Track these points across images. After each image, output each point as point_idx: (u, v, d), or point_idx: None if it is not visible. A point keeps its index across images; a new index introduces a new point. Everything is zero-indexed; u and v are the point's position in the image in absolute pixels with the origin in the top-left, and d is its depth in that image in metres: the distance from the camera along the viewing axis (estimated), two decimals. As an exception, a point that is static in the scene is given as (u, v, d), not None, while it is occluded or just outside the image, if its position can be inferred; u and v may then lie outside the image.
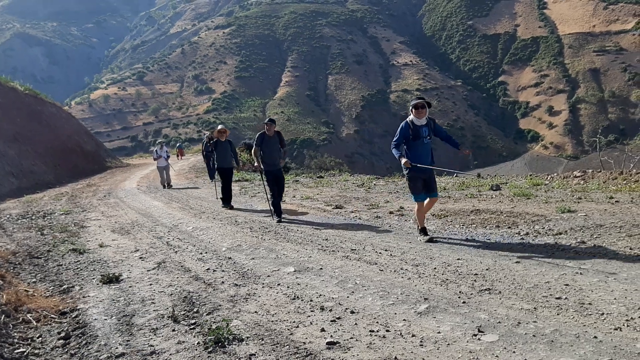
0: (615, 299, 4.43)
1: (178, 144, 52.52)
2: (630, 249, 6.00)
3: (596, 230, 7.00)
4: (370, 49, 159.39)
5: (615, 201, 9.02)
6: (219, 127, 13.75)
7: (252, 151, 10.53)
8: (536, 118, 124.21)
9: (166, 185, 20.22)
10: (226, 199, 12.99)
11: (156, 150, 20.71)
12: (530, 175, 16.19)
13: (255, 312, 4.84)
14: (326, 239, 7.97)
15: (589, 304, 4.37)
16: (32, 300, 5.52)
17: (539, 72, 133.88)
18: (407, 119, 7.37)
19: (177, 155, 40.87)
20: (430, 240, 7.24)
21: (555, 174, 14.52)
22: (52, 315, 5.14)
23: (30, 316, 5.03)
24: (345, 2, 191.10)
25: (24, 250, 8.46)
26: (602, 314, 4.13)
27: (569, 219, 7.82)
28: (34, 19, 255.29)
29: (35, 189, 20.46)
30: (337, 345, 3.96)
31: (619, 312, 4.13)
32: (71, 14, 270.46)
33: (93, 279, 6.57)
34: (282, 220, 10.13)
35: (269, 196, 10.63)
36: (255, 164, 10.64)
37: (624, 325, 3.89)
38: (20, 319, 4.94)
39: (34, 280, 6.65)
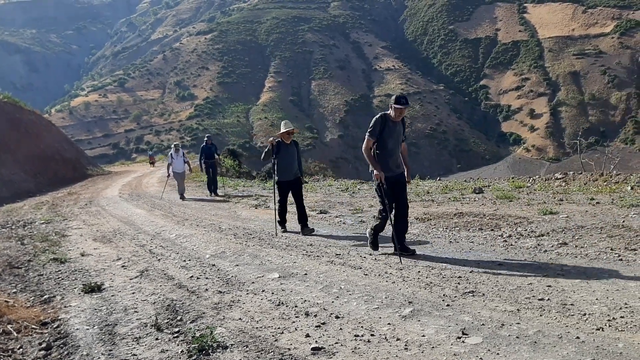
0: (597, 299, 4.47)
1: (150, 152, 51.95)
2: (612, 249, 6.07)
3: (578, 231, 7.08)
4: (353, 54, 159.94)
5: (596, 202, 9.13)
6: (284, 125, 9.75)
7: (364, 148, 6.72)
8: (518, 121, 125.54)
9: (183, 195, 17.48)
10: (301, 220, 9.27)
11: (171, 154, 17.80)
12: (513, 177, 16.35)
13: (240, 319, 4.81)
14: (310, 245, 7.96)
15: (572, 304, 4.40)
16: (13, 310, 5.43)
17: (520, 76, 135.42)
18: None
19: (151, 164, 41.03)
20: None
21: (537, 177, 14.68)
22: (33, 326, 5.06)
23: (11, 327, 4.95)
24: (327, 7, 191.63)
25: (4, 260, 8.33)
26: (585, 314, 4.17)
27: (550, 221, 7.89)
28: (12, 26, 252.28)
29: (15, 198, 20.19)
30: (322, 350, 3.95)
31: (600, 313, 4.17)
32: (50, 20, 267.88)
33: (74, 288, 6.48)
34: (416, 254, 6.71)
35: (390, 216, 6.70)
36: (372, 168, 6.72)
37: (606, 325, 3.92)
38: (1, 330, 4.86)
39: (15, 290, 6.55)
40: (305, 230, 9.14)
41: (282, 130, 9.62)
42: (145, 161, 57.38)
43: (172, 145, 18.45)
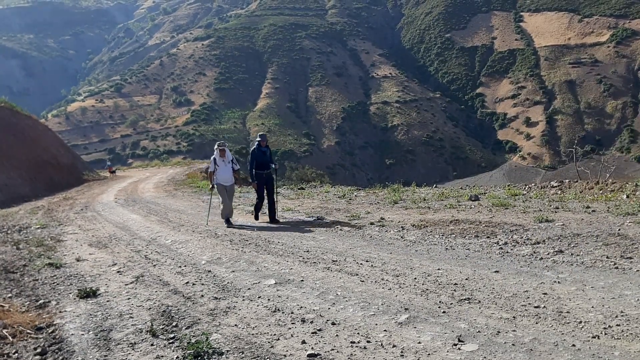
0: (592, 307, 4.48)
1: (108, 163, 50.91)
2: (607, 257, 6.08)
3: (573, 239, 7.09)
4: (350, 61, 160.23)
5: (592, 210, 9.14)
6: None
7: None
8: (514, 129, 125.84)
9: (229, 219, 11.70)
10: None
11: (214, 159, 11.84)
12: (509, 185, 16.36)
13: (236, 325, 4.79)
14: (307, 251, 7.95)
15: (567, 312, 4.41)
16: (8, 315, 5.40)
17: (516, 84, 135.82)
18: None
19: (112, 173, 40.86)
20: None
21: (533, 184, 14.70)
22: (29, 331, 5.04)
23: (6, 332, 4.92)
24: (324, 14, 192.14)
25: (-1, 265, 8.30)
26: (580, 322, 4.17)
27: (546, 229, 7.90)
28: (9, 31, 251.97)
29: (11, 203, 20.11)
30: (318, 357, 3.94)
31: (596, 320, 4.17)
32: (47, 26, 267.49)
33: (70, 293, 6.45)
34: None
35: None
36: None
37: (601, 333, 3.93)
38: (-5, 335, 4.83)
39: (10, 295, 6.51)
40: None
41: None
42: (140, 167, 57.27)
43: (216, 146, 12.05)
